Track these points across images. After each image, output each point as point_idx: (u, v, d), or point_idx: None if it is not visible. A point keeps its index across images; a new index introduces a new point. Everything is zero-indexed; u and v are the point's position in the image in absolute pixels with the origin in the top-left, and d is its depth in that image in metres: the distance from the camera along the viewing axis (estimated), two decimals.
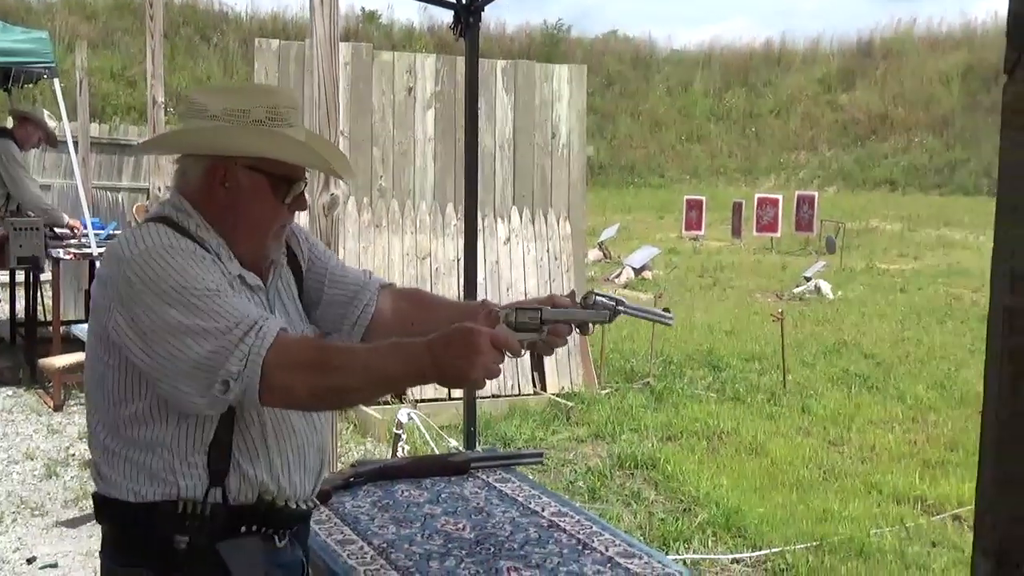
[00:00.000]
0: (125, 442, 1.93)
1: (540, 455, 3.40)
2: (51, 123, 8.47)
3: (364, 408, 7.09)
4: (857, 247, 21.04)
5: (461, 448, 4.51)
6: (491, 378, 1.84)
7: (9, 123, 8.70)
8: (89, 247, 7.98)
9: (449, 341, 1.83)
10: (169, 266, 1.85)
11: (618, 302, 2.15)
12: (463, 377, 1.85)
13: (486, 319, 2.02)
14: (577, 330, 2.17)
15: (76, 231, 8.42)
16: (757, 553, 5.02)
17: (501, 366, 1.86)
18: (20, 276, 8.89)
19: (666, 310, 2.20)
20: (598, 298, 2.15)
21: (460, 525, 2.64)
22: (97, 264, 8.17)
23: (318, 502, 2.18)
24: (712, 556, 4.99)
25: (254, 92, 2.06)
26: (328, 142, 2.34)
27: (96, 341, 1.95)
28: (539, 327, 2.07)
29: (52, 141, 8.54)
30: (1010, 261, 1.13)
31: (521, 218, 8.35)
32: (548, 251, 8.41)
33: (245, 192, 1.98)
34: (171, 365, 1.81)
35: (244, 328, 1.80)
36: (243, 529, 1.98)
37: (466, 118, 3.67)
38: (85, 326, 7.35)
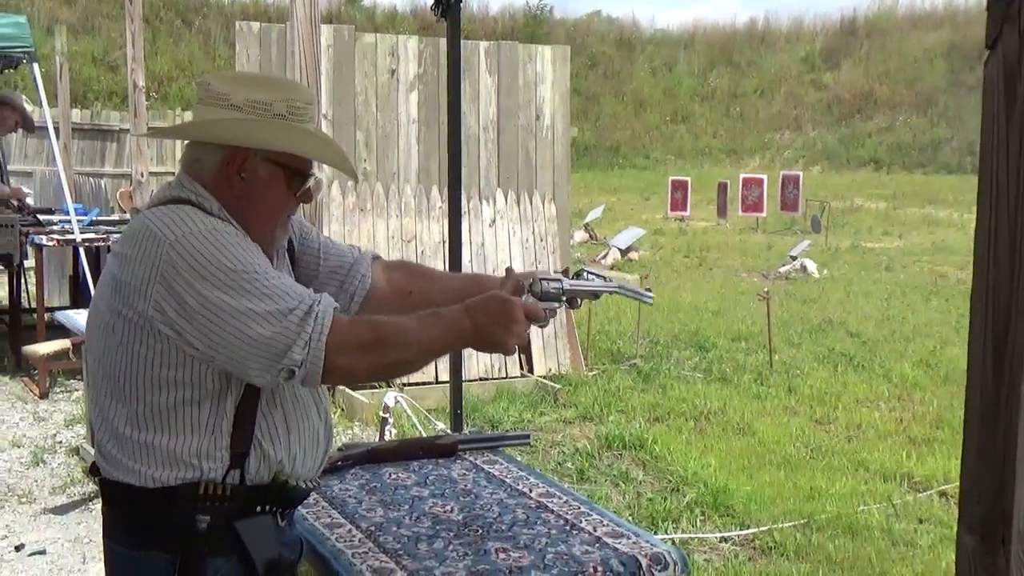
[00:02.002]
0: (150, 429, 1.92)
1: (527, 436, 3.41)
2: (29, 108, 8.39)
3: (350, 392, 7.09)
4: (842, 226, 21.10)
5: (448, 431, 4.51)
6: (521, 344, 2.02)
7: None
8: (72, 233, 7.93)
9: (487, 309, 1.97)
10: (216, 249, 1.85)
11: (605, 280, 2.27)
12: (500, 344, 1.99)
13: (513, 290, 2.16)
14: (566, 304, 2.28)
15: (20, 200, 8.38)
16: (745, 531, 5.04)
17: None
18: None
19: (647, 289, 2.28)
20: (587, 274, 2.25)
21: (448, 507, 2.64)
22: (80, 251, 8.13)
23: (319, 482, 2.20)
24: (701, 535, 5.01)
25: (275, 85, 2.07)
26: (333, 140, 2.36)
27: (121, 328, 1.91)
28: (561, 296, 2.21)
29: (29, 125, 8.43)
30: (993, 239, 1.14)
31: (506, 200, 8.34)
32: (534, 232, 8.40)
33: (261, 183, 2.02)
34: (228, 347, 1.83)
35: (301, 313, 1.84)
36: (258, 508, 2.02)
37: (449, 100, 3.65)
38: (70, 312, 7.33)
